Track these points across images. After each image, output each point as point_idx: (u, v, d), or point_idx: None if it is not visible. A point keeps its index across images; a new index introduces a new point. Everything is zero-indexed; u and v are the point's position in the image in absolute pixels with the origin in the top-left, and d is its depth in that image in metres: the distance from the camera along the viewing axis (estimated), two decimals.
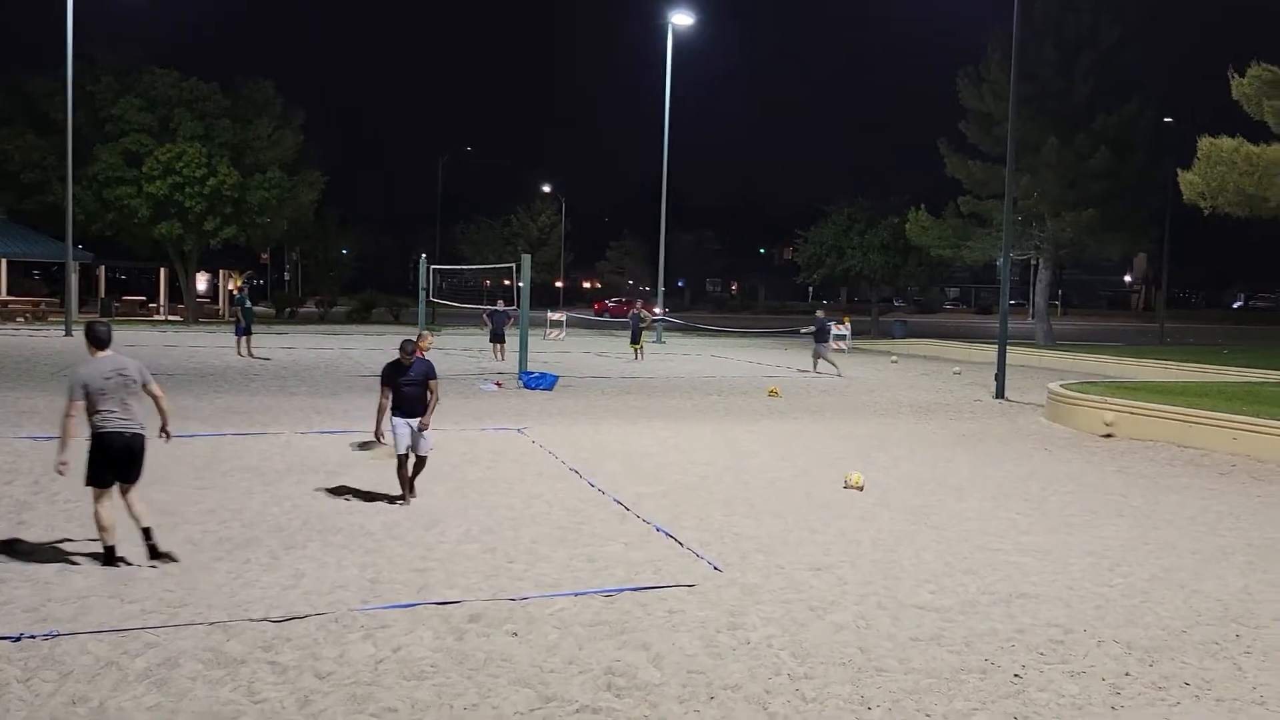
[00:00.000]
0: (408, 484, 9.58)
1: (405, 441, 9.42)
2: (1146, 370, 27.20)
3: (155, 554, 7.23)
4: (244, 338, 25.71)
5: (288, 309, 51.44)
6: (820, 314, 27.40)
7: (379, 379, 9.64)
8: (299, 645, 5.78)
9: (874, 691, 5.37)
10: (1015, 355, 28.85)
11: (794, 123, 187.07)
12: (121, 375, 7.14)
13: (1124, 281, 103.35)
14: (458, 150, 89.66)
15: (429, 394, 9.53)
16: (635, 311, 29.83)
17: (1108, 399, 16.59)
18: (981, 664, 5.82)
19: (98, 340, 7.20)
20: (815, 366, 26.08)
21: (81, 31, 33.09)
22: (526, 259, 22.44)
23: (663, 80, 40.65)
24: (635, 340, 29.07)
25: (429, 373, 9.60)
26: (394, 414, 9.41)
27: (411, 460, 9.55)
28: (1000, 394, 21.21)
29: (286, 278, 71.46)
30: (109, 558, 7.19)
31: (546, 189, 79.99)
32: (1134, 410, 15.85)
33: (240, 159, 42.07)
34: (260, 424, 14.32)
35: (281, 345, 30.95)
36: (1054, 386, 18.47)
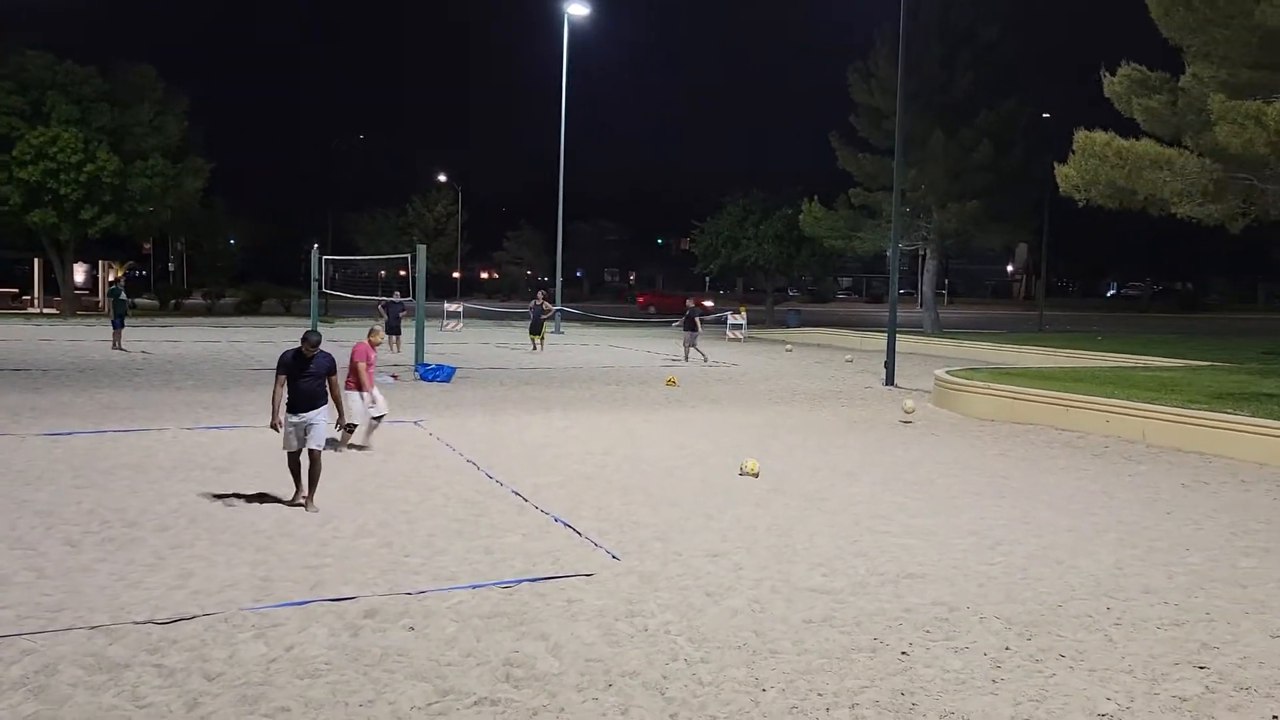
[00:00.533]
0: (304, 484, 9.12)
1: (296, 439, 9.00)
2: (1028, 357, 28.31)
3: None
4: (118, 330, 24.89)
5: (173, 301, 49.62)
6: (690, 303, 28.00)
7: (275, 368, 9.11)
8: (186, 647, 5.63)
9: (768, 673, 5.50)
10: (904, 343, 29.68)
11: (692, 114, 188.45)
12: None
13: (1006, 271, 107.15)
14: (351, 138, 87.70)
15: (328, 390, 9.13)
16: (536, 303, 29.73)
17: (990, 384, 17.23)
18: (871, 643, 6.01)
19: None
20: (686, 356, 26.70)
21: None
22: (422, 249, 22.14)
23: (560, 70, 40.50)
24: (535, 331, 28.97)
25: (330, 367, 9.15)
26: (287, 409, 8.97)
27: (305, 462, 9.06)
28: (890, 381, 21.81)
29: (171, 269, 68.89)
30: None
31: (442, 178, 78.89)
32: (1016, 395, 16.50)
33: (120, 145, 40.31)
34: (143, 420, 13.82)
35: (166, 339, 29.87)
36: (940, 373, 19.08)
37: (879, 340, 29.32)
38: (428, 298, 23.25)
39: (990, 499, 10.28)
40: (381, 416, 12.19)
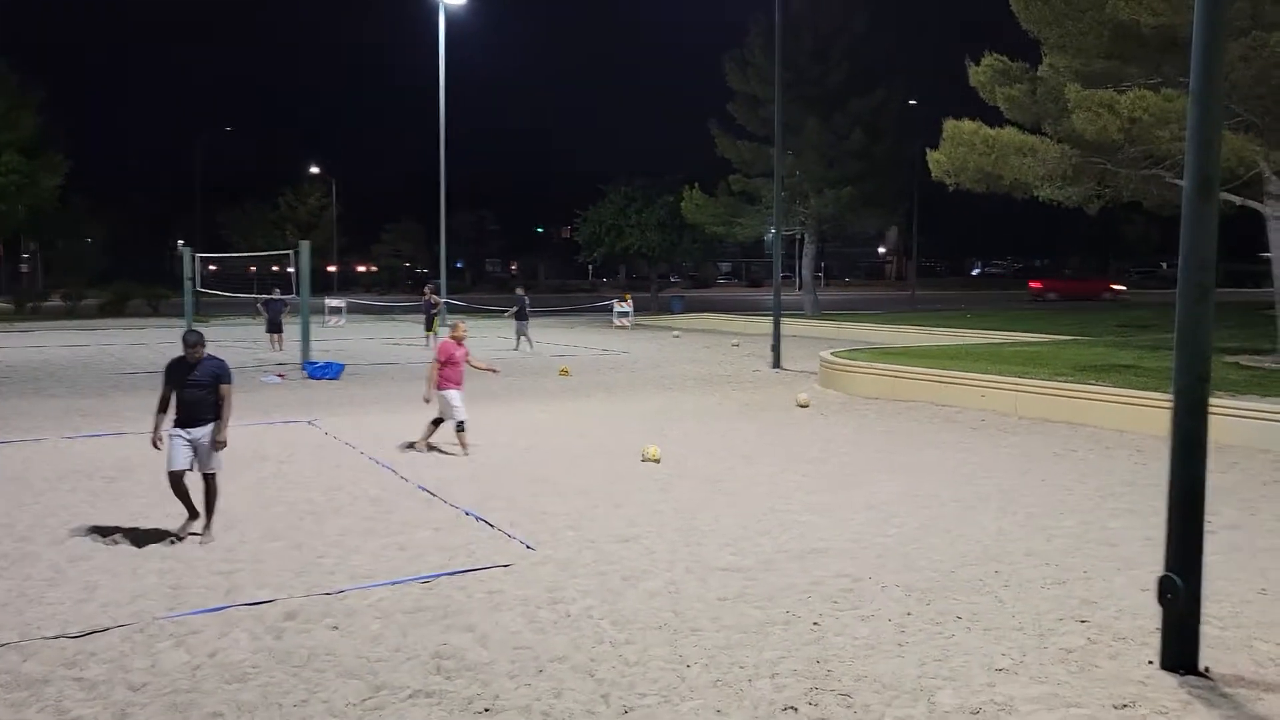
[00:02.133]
0: (194, 508, 8.15)
1: (181, 457, 7.96)
2: (905, 336, 29.45)
3: None
4: None
5: (29, 304, 47.08)
6: (520, 291, 28.50)
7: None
8: (105, 659, 5.55)
9: (691, 650, 5.75)
10: (787, 326, 30.39)
11: (571, 100, 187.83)
12: None
13: (878, 253, 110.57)
14: (216, 130, 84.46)
15: (219, 400, 8.07)
16: (427, 298, 29.46)
17: (874, 364, 17.93)
18: (784, 616, 6.32)
19: None
20: (517, 345, 27.03)
21: None
22: (305, 245, 21.68)
23: (435, 59, 39.91)
24: (429, 327, 28.73)
25: (219, 374, 8.09)
26: (174, 423, 8.06)
27: (200, 483, 8.10)
28: (777, 364, 22.43)
29: (24, 270, 65.29)
30: None
31: (315, 170, 76.80)
32: (897, 374, 17.22)
33: None
34: (19, 430, 13.23)
35: (29, 344, 28.43)
36: (825, 355, 19.74)
37: (763, 324, 30.04)
38: (292, 293, 22.70)
39: (881, 474, 10.79)
40: (439, 421, 11.93)
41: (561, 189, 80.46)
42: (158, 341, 29.53)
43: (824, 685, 5.26)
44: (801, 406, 15.96)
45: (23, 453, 11.72)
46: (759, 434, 13.51)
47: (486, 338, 31.71)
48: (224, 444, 8.07)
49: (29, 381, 19.00)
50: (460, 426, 11.67)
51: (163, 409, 8.09)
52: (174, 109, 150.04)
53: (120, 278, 54.63)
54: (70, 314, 45.16)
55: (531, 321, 28.29)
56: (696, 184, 43.82)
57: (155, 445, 8.09)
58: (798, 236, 45.22)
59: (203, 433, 8.01)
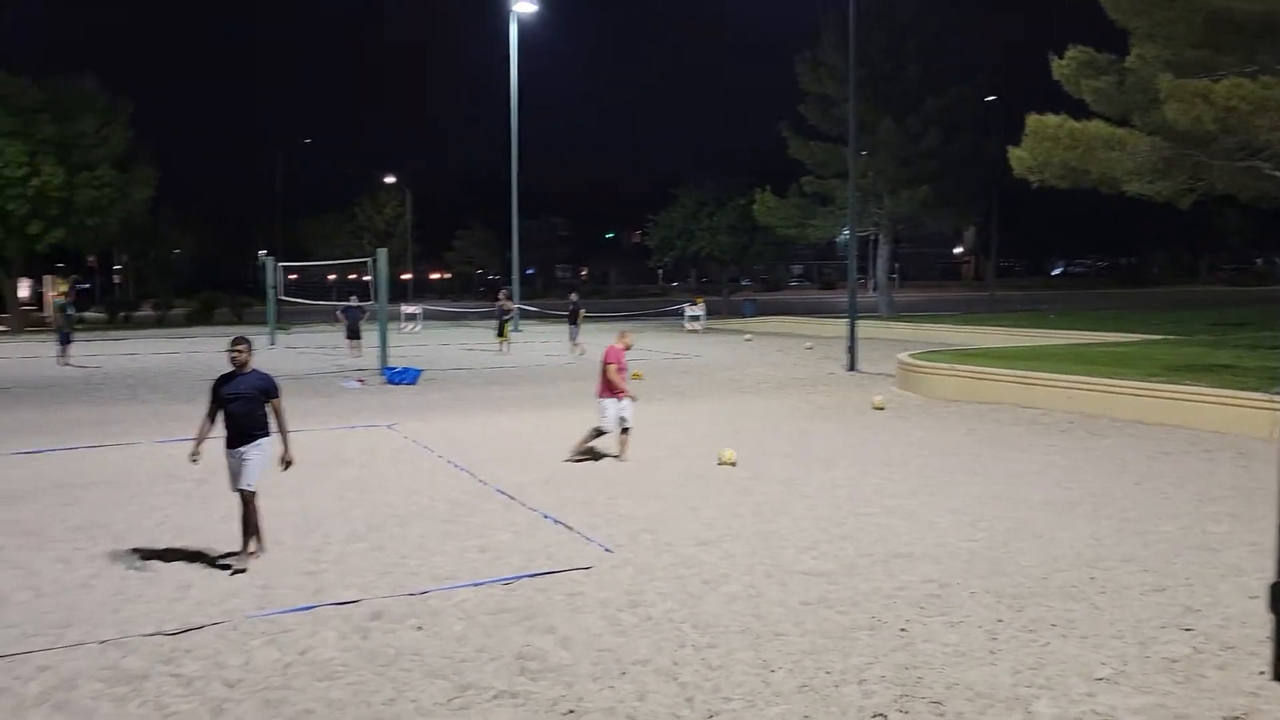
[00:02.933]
0: (249, 530, 7.62)
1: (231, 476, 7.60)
2: (985, 337, 28.84)
3: None
4: (65, 345, 24.50)
5: (121, 314, 48.74)
6: (574, 296, 28.67)
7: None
8: (200, 656, 5.66)
9: (775, 654, 5.66)
10: (862, 328, 29.97)
11: (640, 107, 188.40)
12: None
13: (954, 253, 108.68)
14: (297, 143, 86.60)
15: (268, 414, 7.56)
16: (500, 304, 29.80)
17: (954, 366, 17.58)
18: (870, 621, 6.20)
19: None
20: (571, 351, 26.86)
21: None
22: (383, 253, 22.04)
23: (507, 67, 40.37)
24: (501, 332, 29.00)
25: (264, 387, 7.49)
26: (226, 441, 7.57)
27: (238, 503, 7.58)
28: (853, 366, 22.14)
29: (117, 281, 67.61)
30: None
31: (391, 180, 78.21)
32: (978, 375, 16.85)
33: (67, 157, 39.43)
34: (114, 435, 13.66)
35: (122, 352, 29.38)
36: (903, 357, 19.42)
37: (837, 326, 29.66)
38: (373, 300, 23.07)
39: (964, 477, 10.55)
40: (627, 429, 11.56)
41: (632, 193, 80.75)
42: None
43: (914, 692, 5.13)
44: (878, 409, 15.71)
45: (118, 456, 12.09)
46: (835, 437, 13.32)
47: (548, 342, 31.92)
48: (290, 461, 7.58)
49: (123, 388, 19.62)
50: (598, 433, 11.50)
51: (210, 421, 7.65)
52: (254, 122, 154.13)
53: (207, 287, 56.30)
54: (160, 323, 46.67)
55: (601, 326, 28.42)
56: (768, 186, 43.59)
57: (192, 459, 7.62)
58: (872, 237, 44.69)
59: (246, 452, 7.49)
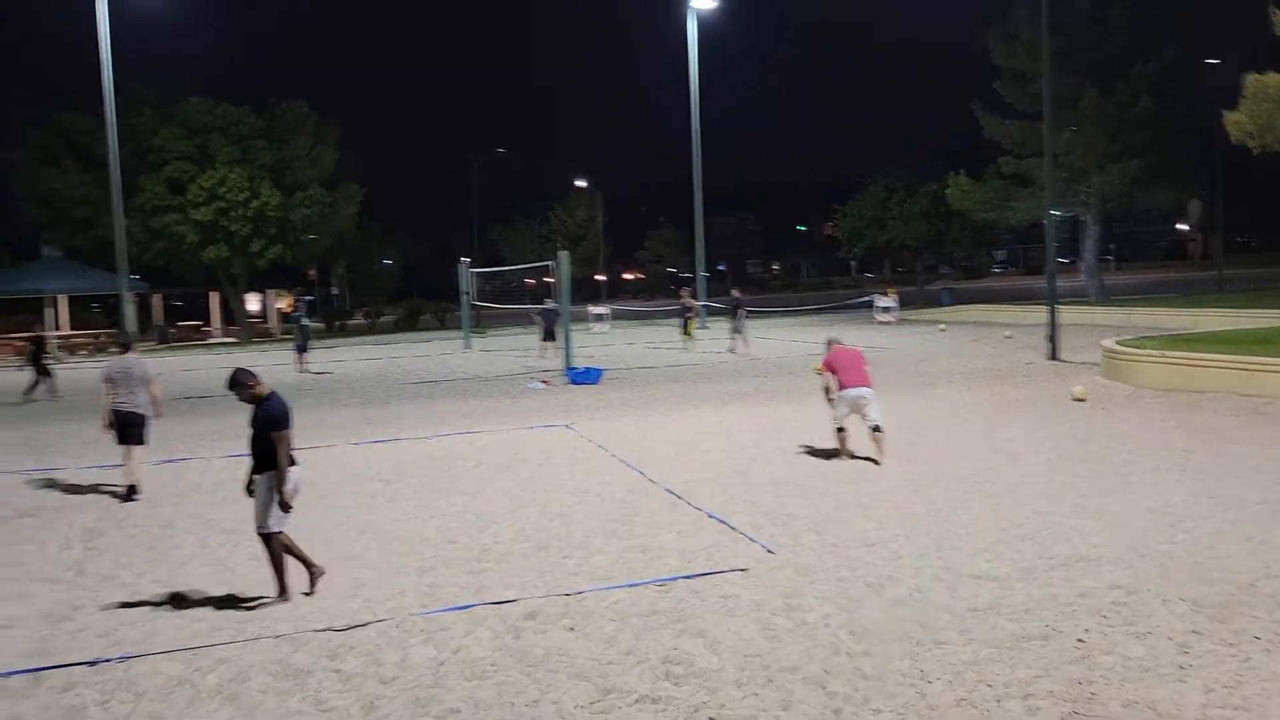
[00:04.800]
0: (307, 560, 7.07)
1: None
2: (1206, 320, 26.62)
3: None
4: (301, 354, 26.25)
5: (337, 322, 52.14)
6: (735, 293, 27.41)
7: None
8: (362, 652, 5.88)
9: (934, 664, 5.34)
10: (1067, 314, 28.34)
11: (824, 97, 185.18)
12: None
13: (1177, 230, 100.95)
14: (491, 152, 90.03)
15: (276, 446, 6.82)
16: (683, 301, 29.93)
17: (1165, 352, 16.25)
18: (1043, 630, 5.76)
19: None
20: (733, 348, 26.10)
21: (116, 66, 33.63)
22: (564, 255, 22.52)
23: (688, 63, 40.46)
24: (685, 330, 29.13)
25: (271, 419, 6.85)
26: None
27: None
28: (1053, 355, 20.89)
29: (334, 292, 72.39)
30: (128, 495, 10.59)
31: (581, 183, 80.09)
32: (1194, 362, 15.51)
33: (281, 179, 42.68)
34: (314, 438, 14.51)
35: (332, 359, 31.38)
36: (1108, 343, 18.13)
37: (1039, 313, 28.08)
38: (574, 302, 23.63)
39: (1169, 474, 9.70)
40: (877, 427, 10.84)
41: (822, 184, 79.43)
42: (440, 353, 31.76)
43: (1085, 710, 4.71)
44: (1078, 400, 14.71)
45: (315, 458, 12.80)
46: (1027, 431, 12.55)
47: (768, 339, 31.76)
48: (287, 504, 6.81)
49: (327, 394, 20.91)
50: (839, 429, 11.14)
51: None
52: (450, 133, 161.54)
53: (412, 295, 59.45)
54: (370, 330, 49.61)
55: (790, 320, 27.95)
56: (961, 169, 41.82)
57: (248, 491, 7.08)
58: (1080, 218, 42.09)
59: (257, 483, 6.96)
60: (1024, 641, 5.60)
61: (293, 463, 6.87)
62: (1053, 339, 21.19)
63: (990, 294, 52.88)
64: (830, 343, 11.74)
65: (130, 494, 10.61)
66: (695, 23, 40.11)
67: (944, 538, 7.79)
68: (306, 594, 6.95)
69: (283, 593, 6.88)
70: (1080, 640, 5.58)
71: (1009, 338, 27.38)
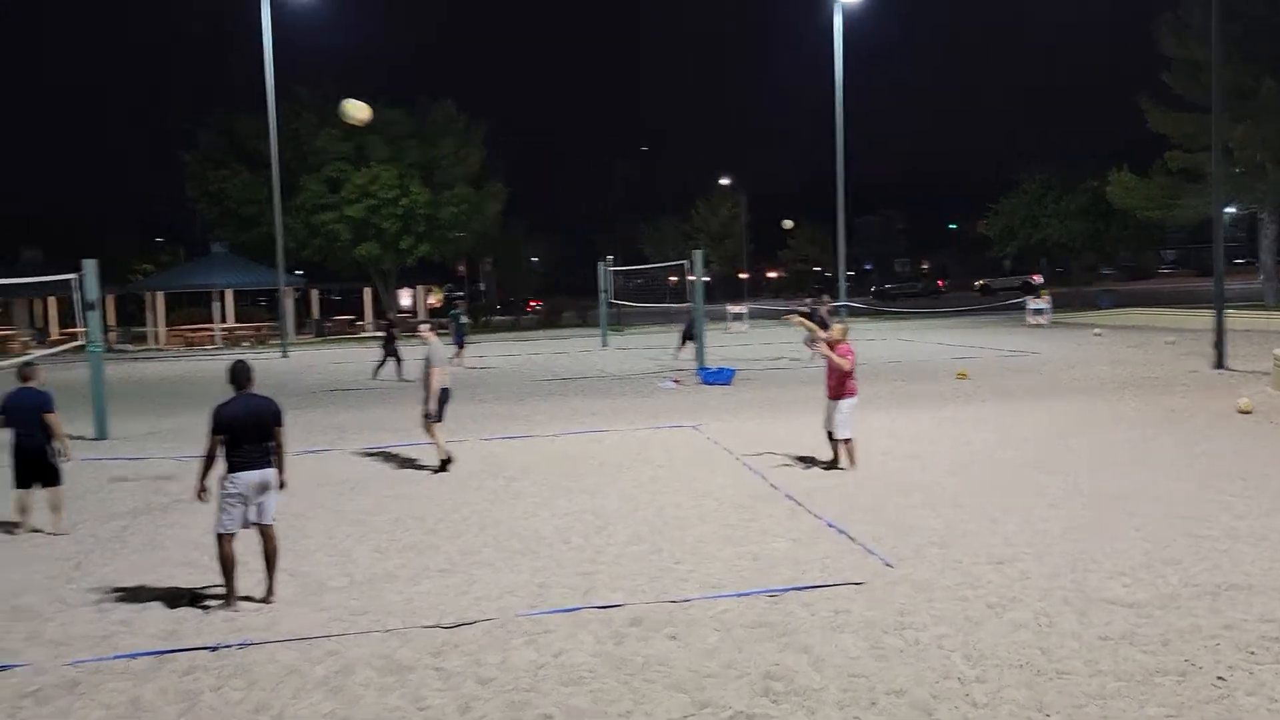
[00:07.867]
0: (268, 572, 7.03)
1: (238, 516, 6.85)
2: None
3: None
4: (460, 349, 27.08)
5: (483, 318, 53.52)
6: (825, 297, 26.23)
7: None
8: (465, 651, 5.93)
9: (1053, 696, 5.01)
10: (1240, 319, 26.52)
11: (972, 92, 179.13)
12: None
13: None
14: (634, 150, 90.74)
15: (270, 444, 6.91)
16: (810, 302, 29.37)
17: None
18: (1180, 665, 5.33)
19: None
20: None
21: (279, 71, 35.45)
22: (698, 254, 22.44)
23: (833, 59, 39.69)
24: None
25: (270, 414, 6.92)
26: (232, 470, 6.82)
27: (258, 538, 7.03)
28: (1220, 363, 19.54)
29: (482, 288, 74.34)
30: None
31: (725, 181, 79.80)
32: None
33: (430, 178, 44.12)
34: (448, 432, 14.82)
35: (474, 354, 32.14)
36: None
37: (1207, 318, 26.34)
38: (716, 301, 23.54)
39: None
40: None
41: (974, 182, 76.83)
42: (578, 350, 32.14)
43: None
44: (1243, 413, 13.68)
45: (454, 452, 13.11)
46: (1183, 445, 11.74)
47: (872, 340, 30.98)
48: (283, 482, 7.06)
49: (465, 389, 21.32)
50: (830, 437, 11.18)
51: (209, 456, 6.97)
52: (598, 129, 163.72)
53: (556, 293, 60.52)
54: (513, 327, 50.69)
55: (930, 322, 27.02)
56: (1125, 165, 39.66)
57: (200, 497, 6.97)
58: (1257, 215, 39.29)
59: (263, 477, 6.96)
60: (1157, 676, 5.19)
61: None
62: (1219, 345, 19.82)
63: (1156, 296, 49.98)
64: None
65: (444, 465, 11.70)
66: (841, 17, 39.33)
67: (1078, 558, 7.33)
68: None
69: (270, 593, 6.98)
70: (1221, 678, 5.14)
71: (1172, 343, 25.79)
